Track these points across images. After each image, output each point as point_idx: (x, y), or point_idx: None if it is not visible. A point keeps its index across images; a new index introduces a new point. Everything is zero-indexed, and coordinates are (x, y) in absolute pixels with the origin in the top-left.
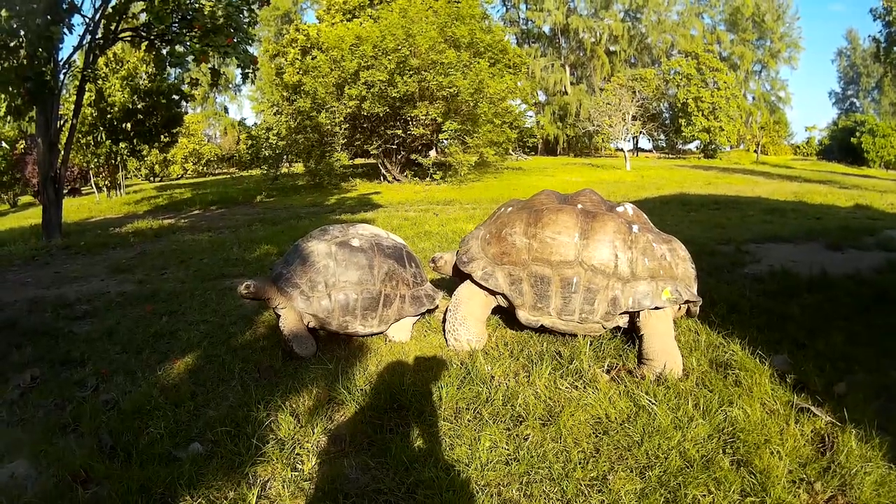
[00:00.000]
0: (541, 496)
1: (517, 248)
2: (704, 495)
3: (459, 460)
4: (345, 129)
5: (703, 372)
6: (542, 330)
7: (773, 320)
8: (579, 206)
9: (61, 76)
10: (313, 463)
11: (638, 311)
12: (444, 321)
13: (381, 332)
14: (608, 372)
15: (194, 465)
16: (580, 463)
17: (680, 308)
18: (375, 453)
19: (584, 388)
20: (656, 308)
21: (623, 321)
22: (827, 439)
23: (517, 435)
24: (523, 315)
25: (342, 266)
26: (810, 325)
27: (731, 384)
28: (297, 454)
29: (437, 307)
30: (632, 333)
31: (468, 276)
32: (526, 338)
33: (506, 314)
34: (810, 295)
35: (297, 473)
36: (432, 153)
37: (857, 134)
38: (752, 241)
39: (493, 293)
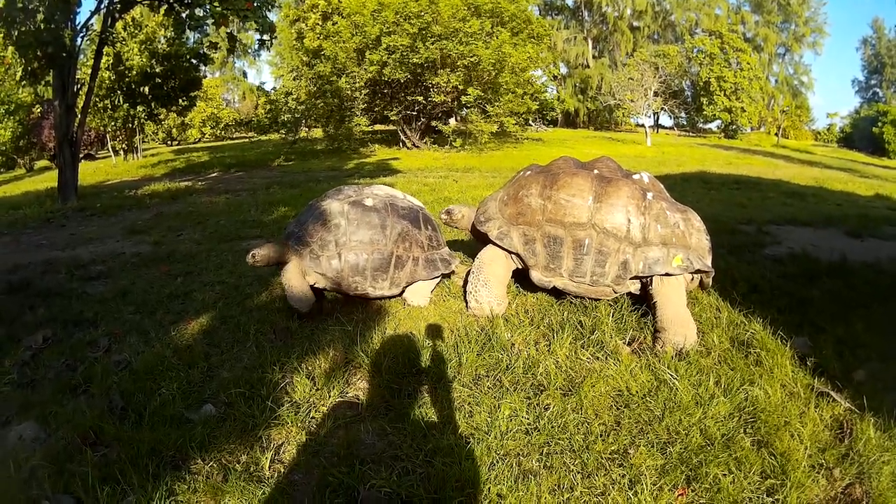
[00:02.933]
0: (561, 468)
1: (532, 208)
2: (725, 475)
3: (479, 428)
4: (365, 95)
5: (724, 349)
6: (554, 292)
7: (793, 303)
8: (595, 171)
9: (79, 40)
10: (329, 427)
11: (650, 278)
12: (464, 284)
13: (393, 295)
14: (629, 344)
15: (206, 427)
16: (601, 435)
17: (693, 279)
18: (393, 418)
19: (606, 359)
20: (667, 275)
21: (635, 287)
22: (845, 426)
23: (538, 404)
24: (536, 275)
25: (354, 225)
26: (830, 310)
27: (752, 363)
28: (313, 417)
29: (452, 272)
30: (648, 305)
31: (486, 237)
32: (547, 306)
33: (524, 280)
34: (830, 280)
35: (312, 437)
36: (452, 121)
37: (879, 124)
38: (773, 223)
39: (511, 254)
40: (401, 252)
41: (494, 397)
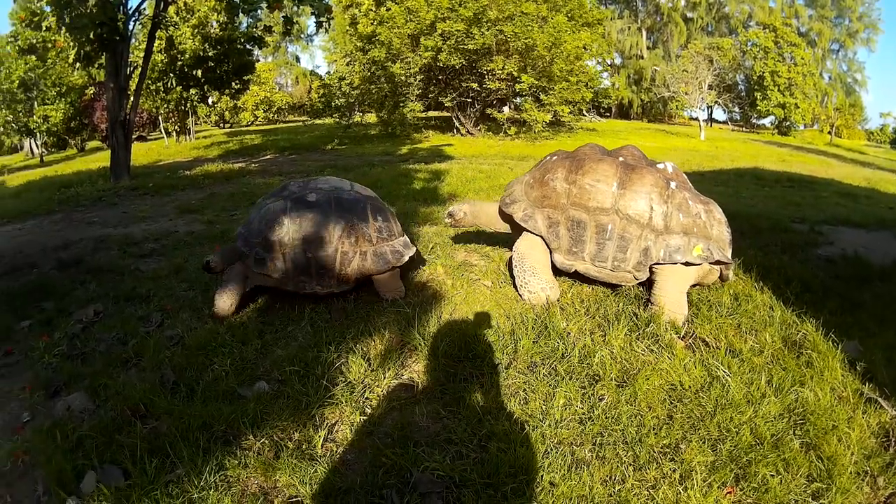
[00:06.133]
0: (613, 459)
1: (557, 192)
2: (773, 475)
3: (533, 415)
4: (419, 81)
5: (776, 349)
6: (576, 276)
7: (844, 305)
8: (620, 158)
9: (131, 23)
10: (383, 408)
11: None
12: (512, 278)
13: (343, 292)
14: (683, 338)
15: (259, 403)
16: (653, 429)
17: (712, 270)
18: (448, 402)
19: (660, 352)
20: (687, 264)
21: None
22: (891, 434)
23: (592, 394)
24: (559, 259)
25: (297, 224)
26: (881, 314)
27: (804, 364)
28: (367, 398)
29: (405, 262)
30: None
31: (511, 220)
32: (602, 296)
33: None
34: (882, 284)
35: (365, 418)
36: (506, 109)
37: None
38: (825, 223)
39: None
40: (347, 248)
41: (549, 385)
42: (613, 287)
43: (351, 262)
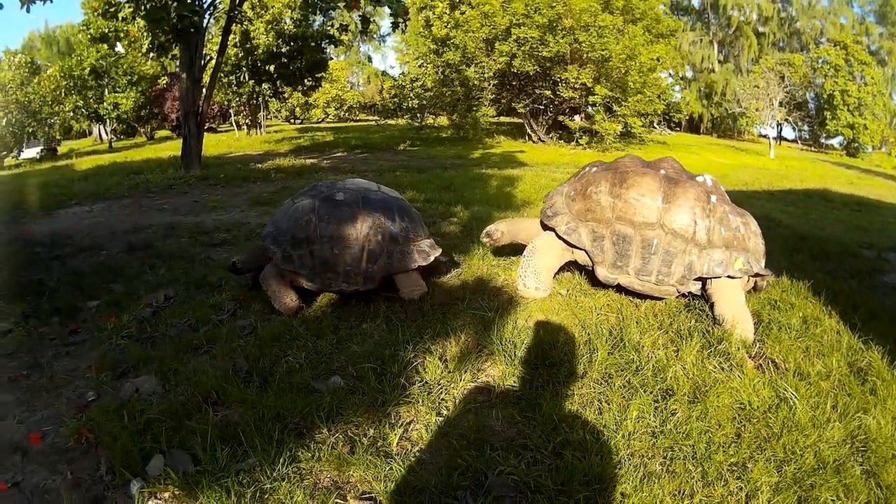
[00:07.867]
0: (683, 473)
1: (602, 206)
2: (834, 500)
3: (607, 426)
4: (493, 85)
5: (843, 374)
6: (618, 289)
7: None
8: (662, 171)
9: (206, 17)
10: (459, 410)
11: (710, 279)
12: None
13: (369, 290)
14: (753, 358)
15: (334, 398)
16: (722, 446)
17: (748, 280)
18: (523, 408)
19: (731, 370)
20: (729, 277)
21: (696, 287)
22: None
23: (664, 409)
24: (602, 272)
25: (324, 221)
26: None
27: (868, 392)
28: (443, 399)
29: (431, 262)
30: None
31: (551, 230)
32: (675, 311)
33: (581, 270)
34: None
35: (441, 418)
36: (577, 118)
37: None
38: (892, 250)
39: (571, 247)
40: (373, 246)
41: (623, 397)
42: (654, 299)
43: (377, 260)
